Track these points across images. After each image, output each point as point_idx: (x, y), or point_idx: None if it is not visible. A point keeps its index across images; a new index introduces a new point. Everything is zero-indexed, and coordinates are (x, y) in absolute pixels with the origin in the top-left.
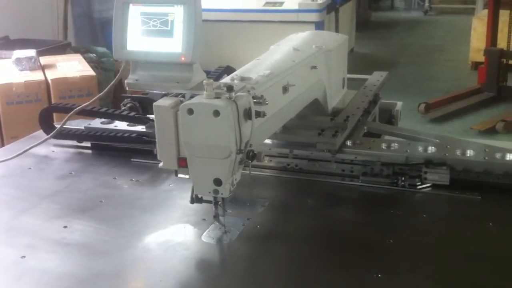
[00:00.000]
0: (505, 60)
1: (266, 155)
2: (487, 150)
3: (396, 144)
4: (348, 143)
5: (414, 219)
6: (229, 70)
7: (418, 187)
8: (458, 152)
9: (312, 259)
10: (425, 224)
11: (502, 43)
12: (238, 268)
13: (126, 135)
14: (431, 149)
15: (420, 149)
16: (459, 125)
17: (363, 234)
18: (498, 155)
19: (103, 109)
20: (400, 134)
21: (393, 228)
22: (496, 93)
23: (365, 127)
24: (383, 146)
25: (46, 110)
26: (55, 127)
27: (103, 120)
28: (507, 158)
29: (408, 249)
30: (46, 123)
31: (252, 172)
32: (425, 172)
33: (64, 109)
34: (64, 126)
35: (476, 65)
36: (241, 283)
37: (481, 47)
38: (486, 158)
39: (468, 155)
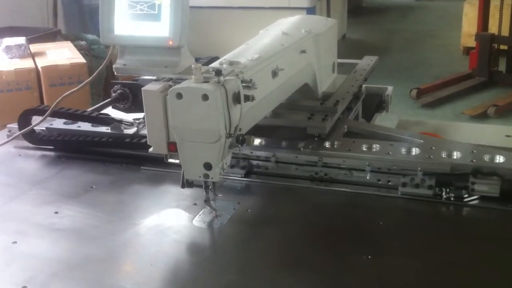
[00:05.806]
0: (496, 45)
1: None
2: (475, 151)
3: (377, 145)
4: (327, 144)
5: None
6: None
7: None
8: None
9: (302, 242)
10: None
11: (493, 28)
12: (229, 252)
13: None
14: (414, 150)
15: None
16: (450, 110)
17: None
18: None
19: (66, 110)
20: (381, 134)
21: None
22: (487, 78)
23: (346, 126)
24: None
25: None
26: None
27: (65, 120)
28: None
29: None
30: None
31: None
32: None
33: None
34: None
35: (467, 50)
36: (232, 266)
37: (472, 32)
38: None
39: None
